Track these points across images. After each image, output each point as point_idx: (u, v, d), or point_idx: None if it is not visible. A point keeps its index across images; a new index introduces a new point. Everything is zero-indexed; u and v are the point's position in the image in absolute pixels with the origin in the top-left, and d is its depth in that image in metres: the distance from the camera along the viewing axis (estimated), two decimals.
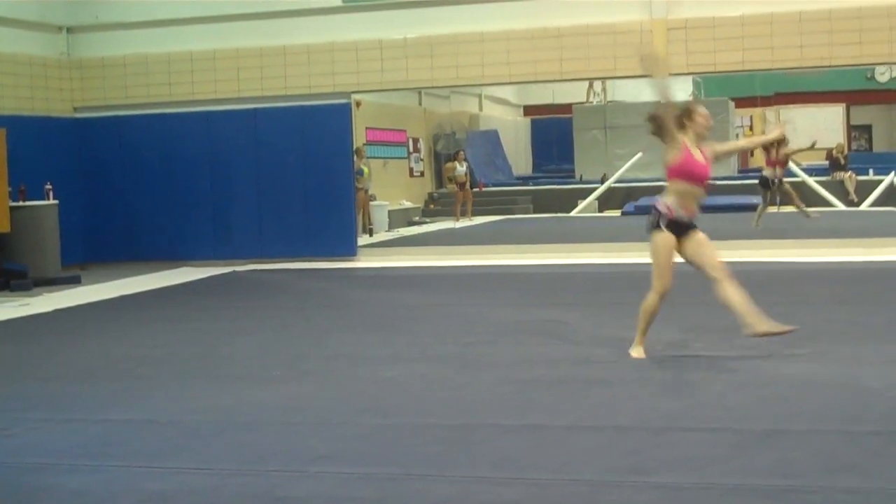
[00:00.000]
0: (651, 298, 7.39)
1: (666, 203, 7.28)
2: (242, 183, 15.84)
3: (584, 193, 26.18)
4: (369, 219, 20.59)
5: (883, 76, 33.93)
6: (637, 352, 7.49)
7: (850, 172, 25.58)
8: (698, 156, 7.35)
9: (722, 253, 13.75)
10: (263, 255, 15.59)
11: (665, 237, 7.26)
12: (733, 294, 7.18)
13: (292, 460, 5.23)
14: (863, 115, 35.78)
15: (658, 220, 7.27)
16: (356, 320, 10.06)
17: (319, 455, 5.30)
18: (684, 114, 7.35)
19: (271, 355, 8.27)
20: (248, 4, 16.01)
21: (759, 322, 7.07)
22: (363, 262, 15.58)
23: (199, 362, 8.08)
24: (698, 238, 7.40)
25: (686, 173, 7.30)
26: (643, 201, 24.60)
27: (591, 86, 31.49)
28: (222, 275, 14.47)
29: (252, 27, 16.00)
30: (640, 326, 7.51)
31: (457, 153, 25.07)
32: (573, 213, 25.26)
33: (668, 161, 7.33)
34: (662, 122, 7.30)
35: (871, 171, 25.88)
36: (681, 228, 7.30)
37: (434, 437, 5.58)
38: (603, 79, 26.54)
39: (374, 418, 6.05)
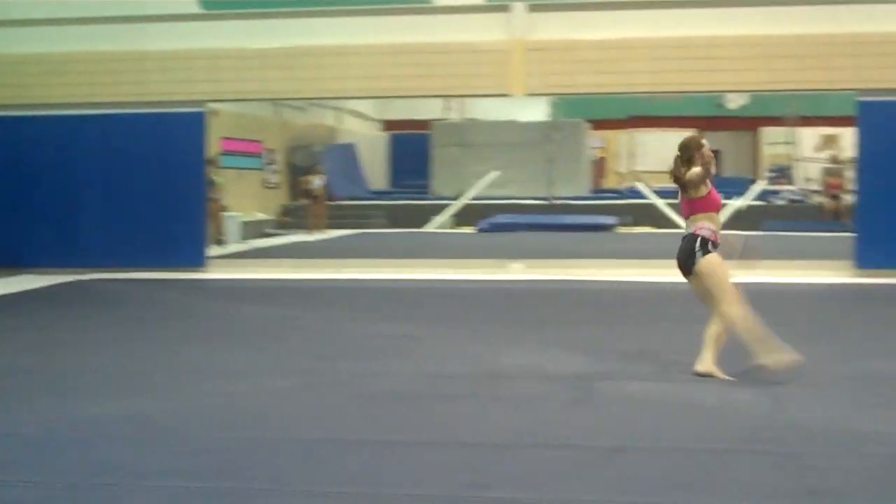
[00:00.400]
0: (735, 312, 7.41)
1: (710, 228, 7.50)
2: (92, 189, 15.42)
3: (440, 209, 26.28)
4: (221, 229, 20.29)
5: (732, 104, 34.93)
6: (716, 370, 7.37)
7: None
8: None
9: (574, 272, 13.99)
10: (111, 264, 15.17)
11: (718, 257, 7.48)
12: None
13: (129, 475, 5.08)
14: (712, 140, 36.39)
15: (708, 245, 7.46)
16: (203, 333, 9.87)
17: (158, 469, 5.16)
18: (697, 149, 7.61)
19: (115, 367, 8.04)
20: (104, 7, 15.58)
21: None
22: (213, 273, 15.31)
23: (39, 374, 7.80)
24: None
25: (715, 205, 7.66)
26: (499, 218, 24.87)
27: (448, 102, 31.70)
28: (66, 283, 14.05)
29: (108, 31, 15.58)
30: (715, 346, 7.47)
31: (314, 165, 24.92)
32: (428, 229, 25.33)
33: (699, 194, 7.55)
34: (697, 159, 7.54)
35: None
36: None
37: (278, 452, 5.48)
38: (462, 96, 26.68)
39: (217, 432, 5.92)
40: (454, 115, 32.66)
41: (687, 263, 7.49)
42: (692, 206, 7.58)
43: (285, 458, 5.36)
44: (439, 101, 30.25)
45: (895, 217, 14.10)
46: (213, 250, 17.60)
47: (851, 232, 15.09)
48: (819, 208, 25.70)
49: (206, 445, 5.63)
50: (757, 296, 10.26)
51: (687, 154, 7.60)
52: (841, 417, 6.11)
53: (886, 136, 14.16)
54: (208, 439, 5.77)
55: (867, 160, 14.45)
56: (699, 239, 7.45)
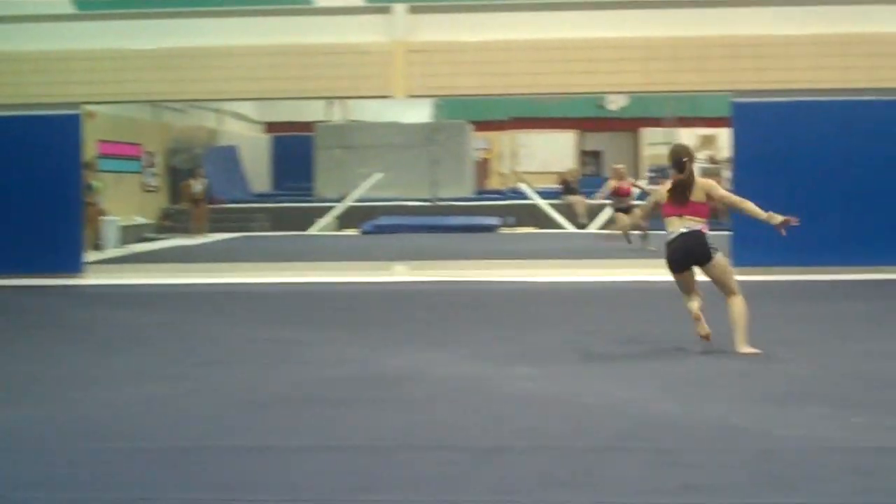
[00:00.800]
0: (740, 300, 8.52)
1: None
2: None
3: (324, 212, 26.14)
4: (99, 234, 19.88)
5: (612, 105, 35.42)
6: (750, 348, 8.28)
7: (580, 196, 26.52)
8: None
9: (458, 273, 14.01)
10: None
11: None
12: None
13: None
14: (593, 141, 37.29)
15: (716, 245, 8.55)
16: (79, 340, 9.64)
17: (27, 481, 5.00)
18: (688, 156, 8.56)
19: None
20: None
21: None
22: (90, 279, 14.96)
23: None
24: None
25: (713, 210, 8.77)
26: (383, 220, 24.84)
27: (331, 104, 31.50)
28: None
29: None
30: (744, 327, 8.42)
31: (194, 169, 24.57)
32: (312, 232, 25.17)
33: (700, 199, 8.51)
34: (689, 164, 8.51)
35: (600, 196, 26.90)
36: None
37: (153, 461, 5.37)
38: (344, 98, 26.56)
39: (90, 442, 5.77)
40: (337, 117, 32.48)
41: (702, 256, 8.46)
42: (694, 208, 8.46)
43: (161, 467, 5.25)
44: (322, 103, 30.05)
45: None
46: (91, 255, 17.22)
47: (727, 230, 15.39)
48: None
49: (80, 455, 5.49)
50: (640, 293, 10.45)
51: (679, 159, 8.41)
52: (717, 413, 6.21)
53: (760, 137, 14.49)
54: (83, 449, 5.62)
55: (742, 160, 14.77)
56: (707, 236, 8.48)
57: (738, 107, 14.65)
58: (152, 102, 24.08)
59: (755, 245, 14.43)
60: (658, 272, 14.31)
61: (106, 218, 20.91)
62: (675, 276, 8.75)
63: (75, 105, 15.15)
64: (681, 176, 8.45)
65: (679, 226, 8.50)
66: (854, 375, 7.41)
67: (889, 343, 8.89)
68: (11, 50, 15.07)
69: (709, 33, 14.59)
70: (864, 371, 7.57)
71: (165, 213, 26.83)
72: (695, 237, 8.42)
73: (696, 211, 8.48)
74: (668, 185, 8.70)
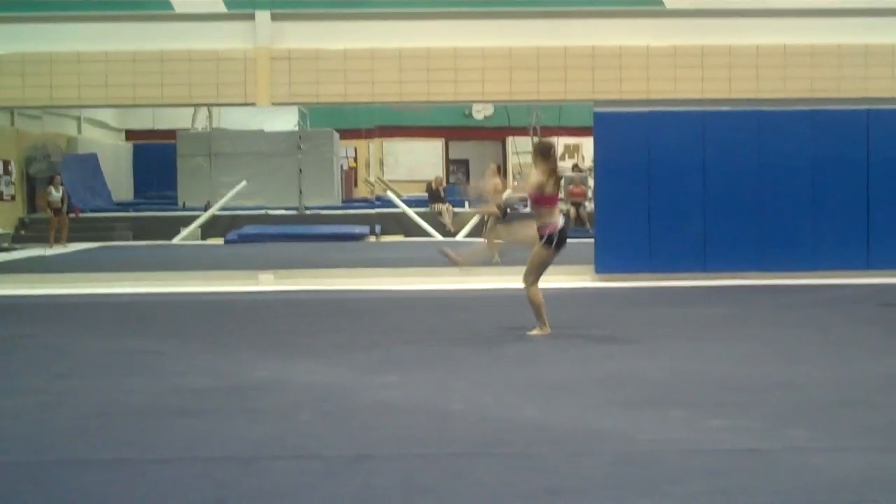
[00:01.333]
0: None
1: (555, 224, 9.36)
2: None
3: (187, 221, 25.74)
4: None
5: (479, 114, 35.70)
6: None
7: (447, 204, 26.65)
8: None
9: (324, 282, 13.91)
10: None
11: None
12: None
13: None
14: (460, 150, 37.48)
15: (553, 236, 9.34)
16: None
17: None
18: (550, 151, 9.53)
19: None
20: None
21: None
22: None
23: None
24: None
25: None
26: (247, 229, 24.57)
27: (197, 112, 31.00)
28: None
29: None
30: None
31: (53, 177, 23.95)
32: (175, 241, 24.76)
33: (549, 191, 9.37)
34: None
35: (467, 204, 27.08)
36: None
37: (5, 475, 5.19)
38: (205, 105, 26.18)
39: None
40: (203, 125, 31.93)
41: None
42: (553, 200, 9.44)
43: (14, 482, 5.08)
44: (184, 111, 29.55)
45: (628, 223, 14.69)
46: None
47: (593, 238, 15.63)
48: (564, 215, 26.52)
49: None
50: (504, 300, 10.52)
51: (552, 152, 9.43)
52: (579, 418, 6.27)
53: (619, 146, 14.76)
54: None
55: (603, 169, 15.02)
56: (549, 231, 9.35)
57: (600, 116, 14.89)
58: (4, 109, 23.40)
59: (616, 252, 14.72)
60: (513, 280, 14.53)
61: None
62: (548, 261, 9.56)
63: None
64: (554, 167, 9.27)
65: (558, 214, 9.45)
66: (710, 379, 7.56)
67: (744, 346, 9.10)
68: None
69: (571, 43, 14.80)
70: (721, 374, 7.72)
71: (22, 223, 26.09)
72: (566, 222, 9.19)
73: (553, 202, 9.46)
74: (541, 177, 9.27)
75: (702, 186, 14.75)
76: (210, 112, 30.96)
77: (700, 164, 14.74)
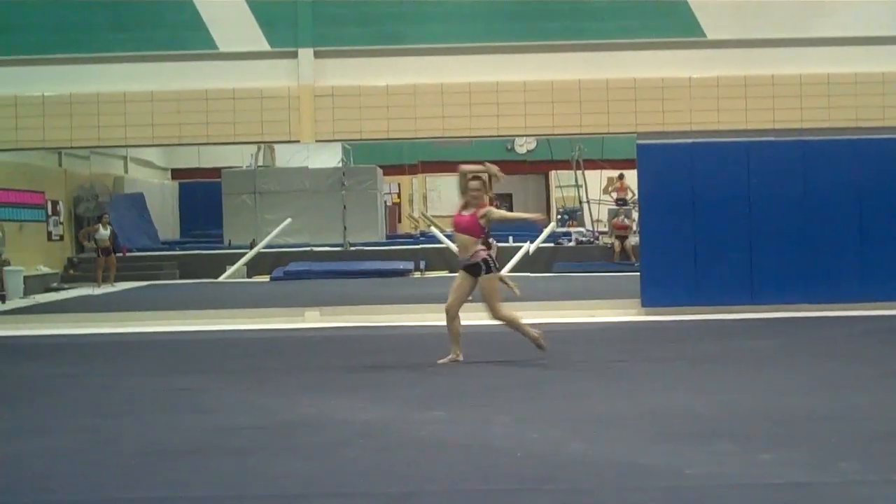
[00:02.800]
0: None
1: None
2: None
3: (233, 259, 25.90)
4: (2, 285, 19.45)
5: (521, 148, 35.74)
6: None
7: (491, 239, 26.60)
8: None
9: (369, 318, 13.89)
10: None
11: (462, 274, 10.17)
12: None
13: None
14: (503, 184, 37.48)
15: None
16: None
17: None
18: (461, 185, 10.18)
19: None
20: None
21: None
22: None
23: None
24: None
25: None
26: (292, 266, 24.67)
27: (259, 149, 31.00)
28: None
29: None
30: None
31: (101, 216, 24.22)
32: (221, 279, 24.90)
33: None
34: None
35: (510, 239, 27.06)
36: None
37: None
38: (249, 143, 26.36)
39: None
40: (261, 163, 31.98)
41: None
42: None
43: None
44: (229, 149, 29.75)
45: (675, 256, 14.60)
46: None
47: (638, 271, 15.55)
48: (608, 249, 26.42)
49: None
50: (547, 336, 10.48)
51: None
52: (627, 453, 6.21)
53: (664, 178, 14.70)
54: None
55: (648, 202, 14.96)
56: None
57: (643, 148, 14.85)
58: (52, 150, 23.72)
59: (662, 285, 14.63)
60: (557, 314, 14.49)
61: (9, 268, 20.49)
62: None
63: None
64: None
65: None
66: (758, 412, 7.47)
67: (792, 378, 9.01)
68: None
69: (613, 76, 14.80)
70: (770, 407, 7.64)
71: (71, 262, 26.37)
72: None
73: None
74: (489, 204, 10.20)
75: (747, 217, 14.65)
76: (268, 150, 31.05)
77: (745, 195, 14.65)
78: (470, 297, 10.27)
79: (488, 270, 10.06)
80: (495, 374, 9.51)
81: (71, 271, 25.80)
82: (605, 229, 28.05)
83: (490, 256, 10.12)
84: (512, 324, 10.21)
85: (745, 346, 11.39)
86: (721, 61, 14.86)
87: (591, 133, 16.16)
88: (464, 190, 10.19)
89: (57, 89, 14.95)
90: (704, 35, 14.91)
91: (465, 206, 10.15)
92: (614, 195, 29.79)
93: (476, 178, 10.17)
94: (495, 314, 10.10)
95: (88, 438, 7.07)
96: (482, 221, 10.07)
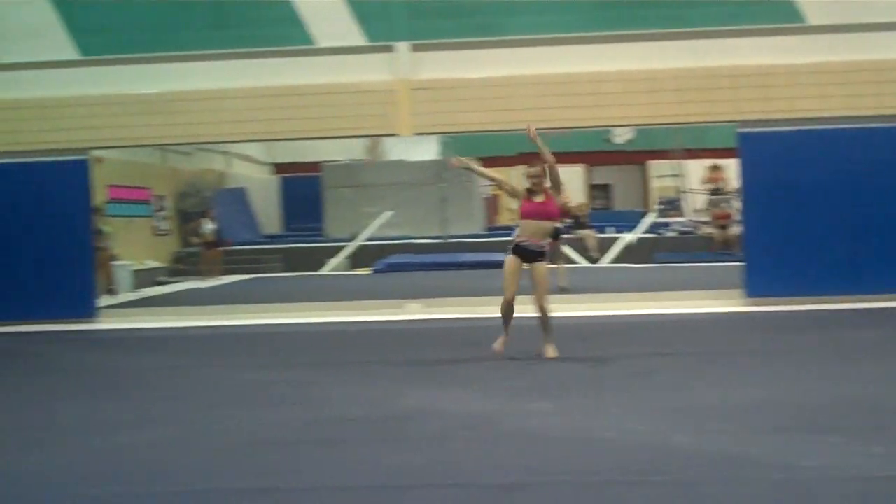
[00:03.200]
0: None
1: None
2: None
3: (335, 251, 26.15)
4: (111, 279, 19.90)
5: (619, 138, 35.47)
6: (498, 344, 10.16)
7: (590, 230, 26.49)
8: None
9: (470, 309, 13.91)
10: None
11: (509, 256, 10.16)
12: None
13: None
14: (602, 174, 37.31)
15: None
16: (89, 385, 9.60)
17: None
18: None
19: None
20: None
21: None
22: (103, 323, 14.98)
23: None
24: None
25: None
26: (394, 259, 24.82)
27: (375, 144, 31.26)
28: None
29: None
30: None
31: (205, 211, 24.63)
32: (323, 272, 25.17)
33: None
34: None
35: (610, 229, 26.93)
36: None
37: None
38: (347, 137, 26.58)
39: (101, 487, 5.74)
40: (370, 157, 32.28)
41: None
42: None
43: None
44: (329, 143, 29.99)
45: (780, 245, 14.38)
46: (104, 300, 17.25)
47: (740, 261, 15.36)
48: (708, 239, 26.13)
49: (88, 501, 5.46)
50: (652, 326, 10.42)
51: None
52: (734, 445, 6.16)
53: (767, 166, 14.46)
54: (91, 495, 5.59)
55: (750, 191, 14.75)
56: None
57: (744, 137, 14.64)
58: (157, 146, 24.18)
59: (766, 275, 14.42)
60: (659, 305, 14.38)
61: (118, 262, 20.96)
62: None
63: (81, 150, 15.21)
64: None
65: None
66: (867, 403, 7.35)
67: None
68: (15, 97, 15.15)
69: (714, 64, 14.61)
70: (877, 398, 7.50)
71: (177, 257, 26.87)
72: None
73: None
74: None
75: (851, 205, 14.35)
76: (381, 144, 31.26)
77: (849, 182, 14.35)
78: None
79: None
80: (599, 366, 9.48)
81: (177, 265, 26.29)
82: (706, 218, 27.72)
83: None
84: (545, 316, 10.11)
85: (851, 336, 11.18)
86: (824, 47, 14.56)
87: (692, 122, 15.97)
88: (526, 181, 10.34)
89: (160, 87, 15.22)
90: (806, 21, 14.64)
91: (530, 194, 10.17)
92: (709, 185, 29.46)
93: (533, 164, 10.35)
94: (544, 302, 10.05)
95: (195, 430, 7.22)
96: (559, 200, 10.36)
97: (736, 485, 5.30)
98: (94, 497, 5.54)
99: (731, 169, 22.74)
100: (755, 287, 14.49)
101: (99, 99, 15.11)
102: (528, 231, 10.10)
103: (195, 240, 24.66)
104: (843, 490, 5.14)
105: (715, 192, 27.92)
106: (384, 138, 29.07)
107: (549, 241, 10.24)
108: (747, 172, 14.75)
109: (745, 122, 14.59)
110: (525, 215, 10.12)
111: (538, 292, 10.04)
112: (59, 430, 7.39)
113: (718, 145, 28.38)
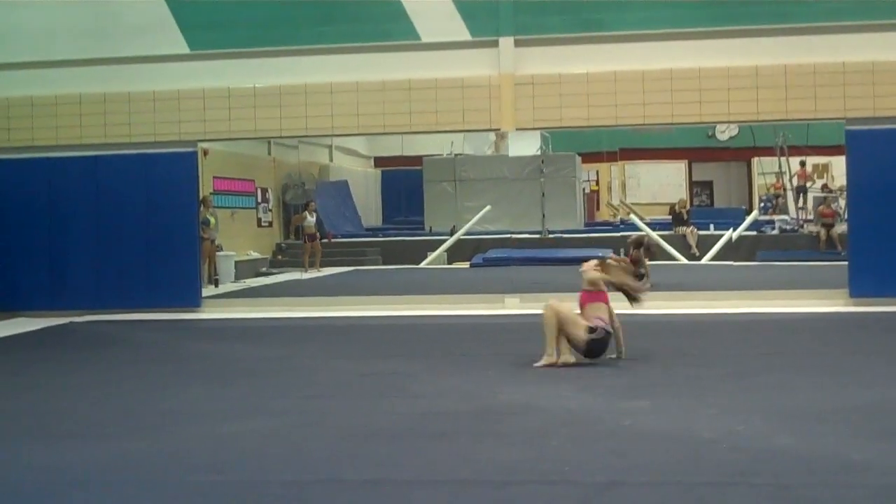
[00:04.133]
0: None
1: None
2: (81, 231, 15.44)
3: (434, 245, 26.27)
4: (215, 269, 20.27)
5: (723, 134, 35.07)
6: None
7: (692, 227, 26.27)
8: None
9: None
10: (103, 306, 15.17)
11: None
12: None
13: None
14: (704, 171, 36.91)
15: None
16: (195, 374, 9.81)
17: None
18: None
19: (104, 411, 7.99)
20: (92, 49, 15.65)
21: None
22: (207, 313, 15.29)
23: (29, 418, 7.75)
24: None
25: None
26: (491, 253, 24.85)
27: (499, 138, 31.38)
28: (58, 326, 14.01)
29: (96, 73, 15.65)
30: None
31: (307, 203, 24.93)
32: (422, 265, 25.31)
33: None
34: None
35: (711, 227, 26.65)
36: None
37: (270, 494, 5.43)
38: (452, 132, 26.69)
39: (207, 475, 5.86)
40: (489, 150, 32.37)
41: None
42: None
43: (278, 500, 5.31)
44: (431, 137, 30.13)
45: (887, 245, 14.11)
46: (208, 290, 17.58)
47: (845, 260, 15.10)
48: (814, 237, 25.72)
49: (195, 489, 5.58)
50: (753, 325, 10.30)
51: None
52: (837, 448, 6.08)
53: (875, 165, 14.21)
54: (198, 483, 5.70)
55: (857, 189, 14.49)
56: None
57: (853, 134, 14.39)
58: (263, 139, 24.54)
59: (873, 275, 14.17)
60: (760, 304, 14.19)
61: (222, 253, 21.32)
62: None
63: (190, 143, 15.52)
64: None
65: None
66: None
67: None
68: (126, 90, 15.52)
69: (820, 60, 14.38)
70: None
71: (279, 248, 27.24)
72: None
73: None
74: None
75: None
76: (500, 139, 31.35)
77: None
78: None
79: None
80: (699, 365, 9.40)
81: (279, 257, 26.64)
82: (811, 217, 27.29)
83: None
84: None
85: None
86: None
87: (798, 119, 15.74)
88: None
89: (267, 81, 15.47)
90: None
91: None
92: (795, 181, 29.06)
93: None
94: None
95: (298, 420, 7.33)
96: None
97: (837, 489, 5.23)
98: (200, 485, 5.66)
99: (838, 167, 22.37)
100: (861, 287, 14.25)
101: (209, 92, 15.41)
102: (592, 314, 9.53)
103: (296, 225, 24.94)
104: None
105: (798, 189, 27.59)
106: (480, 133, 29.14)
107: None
108: (855, 171, 14.50)
109: (852, 120, 14.34)
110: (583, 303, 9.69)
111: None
112: (167, 419, 7.55)
113: (826, 142, 27.97)
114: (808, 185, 29.07)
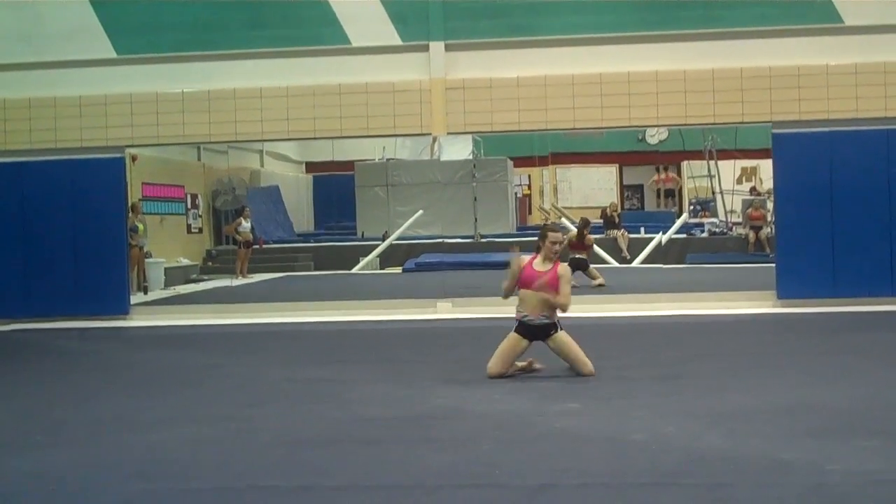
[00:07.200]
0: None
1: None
2: (7, 239, 15.17)
3: (366, 250, 26.20)
4: (144, 276, 20.03)
5: (653, 138, 35.39)
6: None
7: (622, 230, 26.45)
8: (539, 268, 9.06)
9: (501, 310, 13.92)
10: (29, 314, 14.93)
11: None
12: None
13: None
14: (634, 175, 37.22)
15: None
16: (124, 382, 9.69)
17: None
18: (540, 237, 9.12)
19: (30, 421, 7.85)
20: (16, 53, 15.41)
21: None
22: (136, 320, 15.11)
23: None
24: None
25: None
26: (424, 258, 24.82)
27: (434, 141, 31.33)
28: None
29: (20, 78, 15.40)
30: None
31: (242, 209, 24.69)
32: (354, 270, 25.22)
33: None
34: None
35: (642, 230, 26.85)
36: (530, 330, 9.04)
37: (201, 502, 5.38)
38: (383, 136, 26.64)
39: (137, 484, 5.79)
40: (423, 155, 32.31)
41: None
42: None
43: None
44: (362, 142, 30.04)
45: (813, 247, 14.30)
46: (137, 297, 17.36)
47: (773, 263, 15.29)
48: (742, 240, 26.00)
49: (125, 498, 5.51)
50: (683, 327, 10.40)
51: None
52: (765, 448, 6.14)
53: (801, 168, 14.40)
54: (128, 492, 5.63)
55: (784, 192, 14.69)
56: None
57: (779, 138, 14.58)
58: (192, 144, 24.29)
59: (799, 277, 14.36)
60: (690, 306, 14.33)
61: (151, 260, 21.08)
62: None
63: (117, 148, 15.33)
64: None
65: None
66: None
67: None
68: (52, 95, 15.28)
69: (747, 64, 14.55)
70: None
71: (210, 255, 26.99)
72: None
73: None
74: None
75: (887, 207, 14.27)
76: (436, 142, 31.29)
77: (885, 185, 14.26)
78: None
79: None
80: (629, 367, 9.46)
81: (210, 263, 26.40)
82: (739, 220, 27.59)
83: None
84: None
85: (886, 339, 11.12)
86: (859, 47, 14.47)
87: (725, 123, 15.90)
88: (543, 243, 9.12)
89: (196, 86, 15.32)
90: (842, 21, 14.56)
91: (538, 260, 9.15)
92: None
93: (555, 230, 9.25)
94: (587, 368, 8.93)
95: (230, 427, 7.26)
96: (562, 282, 9.01)
97: (767, 488, 5.28)
98: (129, 493, 5.58)
99: (766, 169, 22.66)
100: (788, 289, 14.43)
101: (136, 97, 15.22)
102: (530, 305, 9.05)
103: (231, 233, 24.72)
104: (876, 495, 5.12)
105: (750, 192, 27.91)
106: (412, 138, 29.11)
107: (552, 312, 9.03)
108: (781, 173, 14.69)
109: (778, 123, 14.53)
110: (524, 284, 9.06)
111: (577, 364, 8.94)
112: (95, 428, 7.44)
113: (754, 146, 28.33)
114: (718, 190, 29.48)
